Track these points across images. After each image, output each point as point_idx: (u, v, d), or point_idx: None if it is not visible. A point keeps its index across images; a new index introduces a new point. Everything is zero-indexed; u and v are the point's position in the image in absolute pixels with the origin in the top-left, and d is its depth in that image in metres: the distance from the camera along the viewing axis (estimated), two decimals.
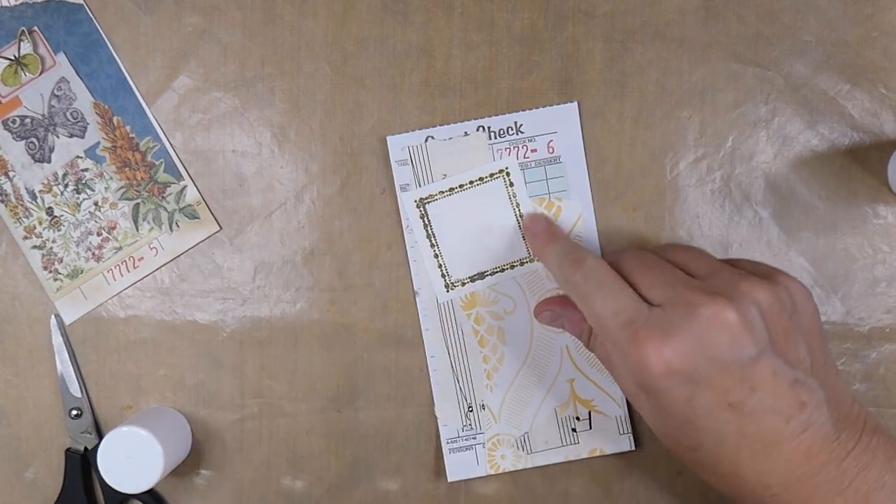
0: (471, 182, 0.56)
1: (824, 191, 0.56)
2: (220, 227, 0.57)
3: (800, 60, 0.55)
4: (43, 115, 0.56)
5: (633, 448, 0.57)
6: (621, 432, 0.57)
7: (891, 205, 0.56)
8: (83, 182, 0.57)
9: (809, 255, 0.56)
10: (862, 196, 0.56)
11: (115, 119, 0.57)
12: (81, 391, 0.57)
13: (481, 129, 0.56)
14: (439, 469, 0.58)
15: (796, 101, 0.56)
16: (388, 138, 0.56)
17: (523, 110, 0.56)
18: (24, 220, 0.57)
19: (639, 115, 0.56)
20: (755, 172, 0.56)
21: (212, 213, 0.57)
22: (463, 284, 0.57)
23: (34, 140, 0.57)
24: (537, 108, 0.56)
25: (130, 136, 0.57)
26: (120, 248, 0.57)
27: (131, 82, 0.56)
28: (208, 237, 0.57)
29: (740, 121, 0.56)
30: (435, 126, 0.56)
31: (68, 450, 0.58)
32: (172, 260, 0.57)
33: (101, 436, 0.58)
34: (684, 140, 0.56)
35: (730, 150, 0.56)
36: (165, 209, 0.57)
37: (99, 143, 0.57)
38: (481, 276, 0.56)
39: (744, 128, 0.56)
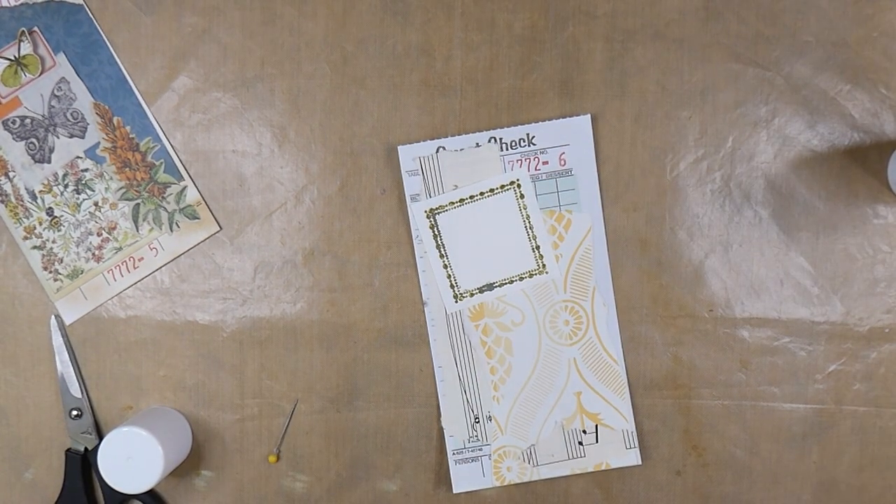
0: (481, 193, 0.56)
1: (824, 191, 0.56)
2: (221, 228, 0.57)
3: (800, 61, 0.55)
4: (43, 116, 0.56)
5: (640, 463, 0.57)
6: (628, 446, 0.57)
7: (891, 205, 0.56)
8: (83, 182, 0.57)
9: (809, 255, 0.56)
10: (862, 196, 0.56)
11: (115, 119, 0.56)
12: (81, 391, 0.57)
13: (493, 140, 0.56)
14: (439, 469, 0.58)
15: (796, 102, 0.56)
16: (399, 148, 0.56)
17: (532, 121, 0.56)
18: (25, 220, 0.57)
19: (639, 116, 0.56)
20: (755, 172, 0.56)
21: (212, 214, 0.57)
22: (472, 295, 0.57)
23: (34, 140, 0.57)
24: (538, 109, 0.56)
25: (130, 136, 0.57)
26: (120, 249, 0.57)
27: (131, 82, 0.56)
28: (208, 237, 0.57)
29: (740, 121, 0.56)
30: (436, 128, 0.56)
31: (68, 450, 0.58)
32: (172, 260, 0.57)
33: (101, 436, 0.58)
34: (684, 140, 0.56)
35: (730, 150, 0.56)
36: (166, 209, 0.57)
37: (99, 143, 0.57)
38: (490, 287, 0.56)
39: (744, 128, 0.56)
